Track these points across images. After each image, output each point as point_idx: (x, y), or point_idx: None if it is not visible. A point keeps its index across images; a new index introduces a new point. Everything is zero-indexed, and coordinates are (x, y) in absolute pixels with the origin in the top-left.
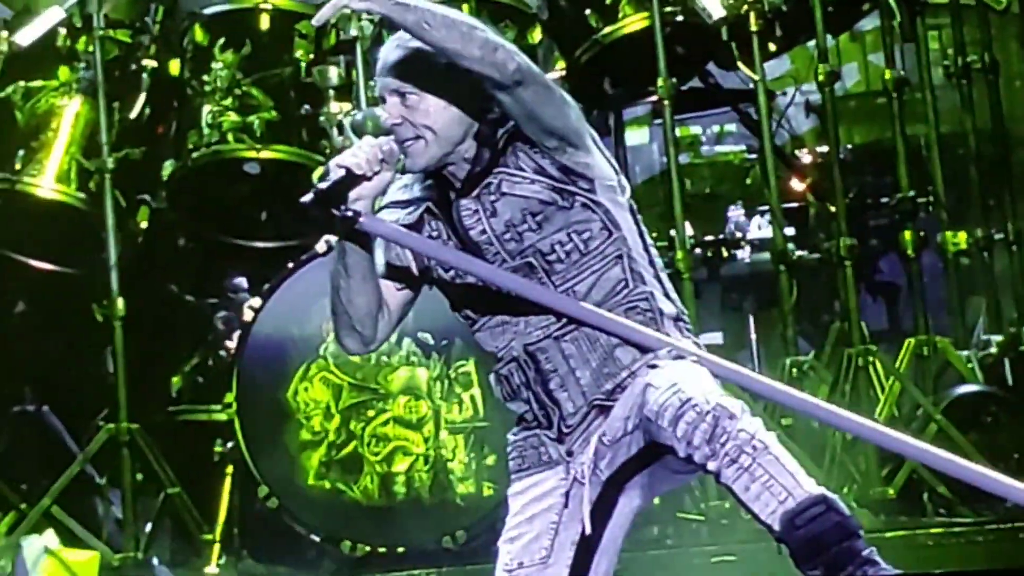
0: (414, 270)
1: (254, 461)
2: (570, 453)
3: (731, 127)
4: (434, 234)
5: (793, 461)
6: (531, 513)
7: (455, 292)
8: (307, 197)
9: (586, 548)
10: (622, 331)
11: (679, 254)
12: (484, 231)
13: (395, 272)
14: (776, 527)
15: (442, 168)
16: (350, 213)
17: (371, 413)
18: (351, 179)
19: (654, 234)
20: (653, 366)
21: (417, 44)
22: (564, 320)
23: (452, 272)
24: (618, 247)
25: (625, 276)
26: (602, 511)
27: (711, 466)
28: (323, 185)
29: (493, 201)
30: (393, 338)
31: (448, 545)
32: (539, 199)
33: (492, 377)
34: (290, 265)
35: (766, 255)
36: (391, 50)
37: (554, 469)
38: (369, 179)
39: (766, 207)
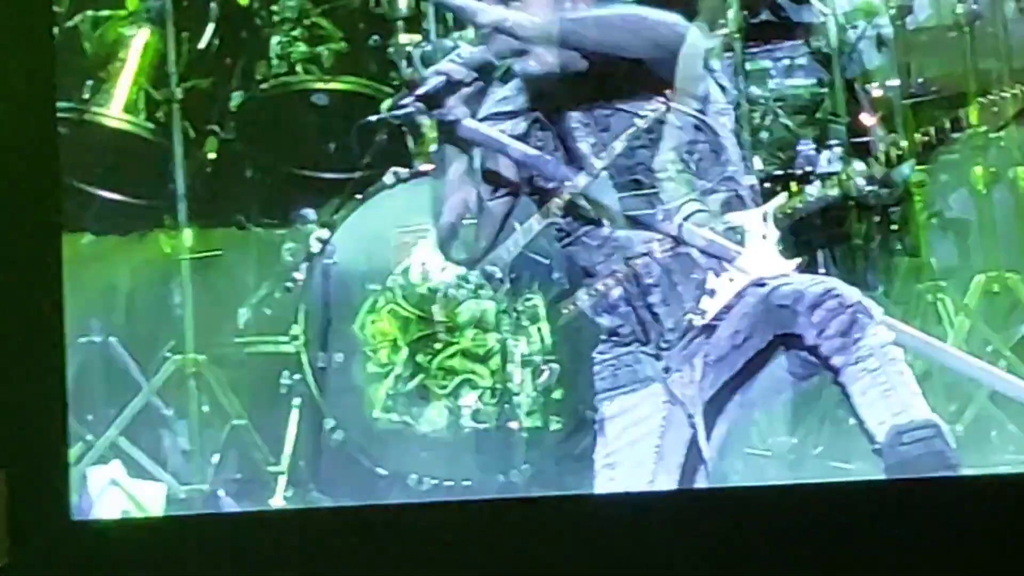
0: (514, 178)
1: (321, 394)
2: (667, 370)
3: (802, 60)
4: (539, 144)
5: (915, 382)
6: (631, 438)
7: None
8: (406, 101)
9: (692, 471)
10: (723, 253)
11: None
12: (594, 144)
13: (495, 179)
14: (880, 438)
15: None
16: (451, 117)
17: (438, 346)
18: (450, 85)
19: None
20: (760, 284)
21: None
22: (667, 237)
23: (554, 183)
24: (724, 170)
25: (730, 200)
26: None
27: (836, 361)
28: (422, 90)
29: (607, 116)
30: (460, 271)
31: (515, 479)
32: (655, 117)
33: (582, 292)
34: (358, 196)
35: (835, 190)
36: None
37: (648, 387)
38: (468, 85)
39: (836, 141)
